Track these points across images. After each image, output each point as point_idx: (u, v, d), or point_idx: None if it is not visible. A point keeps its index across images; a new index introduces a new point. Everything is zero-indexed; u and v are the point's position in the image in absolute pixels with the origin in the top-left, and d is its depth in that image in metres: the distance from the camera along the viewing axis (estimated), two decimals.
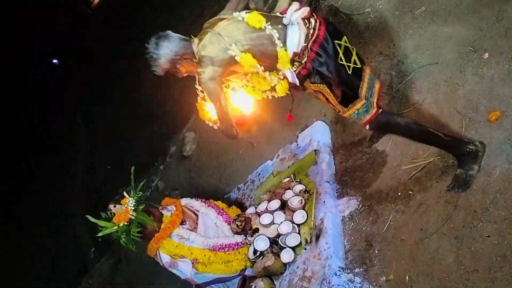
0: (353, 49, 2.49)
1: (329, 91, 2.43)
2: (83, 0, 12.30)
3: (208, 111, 2.72)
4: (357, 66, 2.45)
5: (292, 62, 2.41)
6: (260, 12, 2.44)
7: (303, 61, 2.39)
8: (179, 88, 6.40)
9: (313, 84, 2.45)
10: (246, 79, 2.61)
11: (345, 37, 2.47)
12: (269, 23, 2.39)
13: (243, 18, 2.43)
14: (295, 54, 2.39)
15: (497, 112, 2.51)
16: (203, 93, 2.59)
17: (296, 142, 3.87)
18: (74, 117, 9.42)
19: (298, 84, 2.49)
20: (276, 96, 2.65)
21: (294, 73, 2.43)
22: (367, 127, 2.56)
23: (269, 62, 2.45)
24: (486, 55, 2.75)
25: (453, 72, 2.89)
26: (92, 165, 7.92)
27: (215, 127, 2.75)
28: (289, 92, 2.61)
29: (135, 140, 7.06)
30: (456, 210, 2.41)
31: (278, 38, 2.39)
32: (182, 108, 6.12)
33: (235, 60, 2.39)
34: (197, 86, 2.67)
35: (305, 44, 2.38)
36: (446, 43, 3.03)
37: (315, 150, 3.49)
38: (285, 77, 2.52)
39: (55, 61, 12.59)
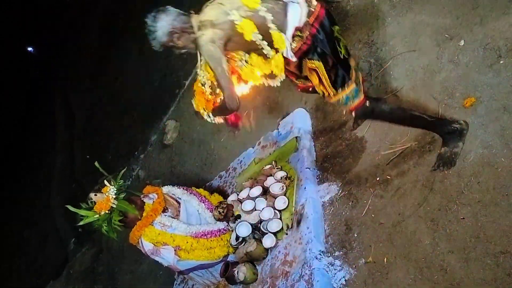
0: (342, 40, 2.53)
1: (324, 70, 2.44)
2: None
3: (207, 99, 2.69)
4: (345, 55, 2.50)
5: (293, 37, 2.42)
6: None
7: (304, 36, 2.40)
8: (159, 76, 6.36)
9: (310, 61, 2.46)
10: (244, 60, 2.55)
11: (337, 26, 2.51)
12: (264, 4, 2.39)
13: None
14: (297, 28, 2.41)
15: (472, 98, 2.57)
16: (204, 77, 2.58)
17: (277, 129, 3.89)
18: (52, 106, 9.24)
19: (294, 59, 2.47)
20: (274, 84, 2.61)
21: (290, 49, 2.43)
22: (353, 113, 2.58)
23: (267, 37, 2.43)
24: (462, 43, 2.81)
25: (430, 59, 2.95)
26: (71, 155, 7.81)
27: (207, 116, 2.72)
28: (285, 74, 2.58)
29: (114, 129, 6.98)
30: (432, 193, 2.48)
31: (272, 22, 2.39)
32: (162, 96, 6.07)
33: (235, 27, 2.37)
34: (198, 71, 2.65)
35: (307, 20, 2.41)
36: (423, 31, 3.08)
37: (296, 137, 3.52)
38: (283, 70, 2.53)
39: (30, 49, 12.28)
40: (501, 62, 2.56)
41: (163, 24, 2.42)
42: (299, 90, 2.85)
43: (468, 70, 2.70)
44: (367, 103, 2.53)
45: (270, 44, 2.44)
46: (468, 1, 2.89)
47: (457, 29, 2.88)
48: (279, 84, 2.60)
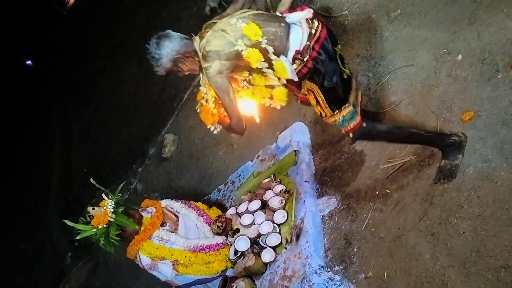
0: (345, 58, 2.54)
1: (320, 92, 2.44)
2: (58, 1, 12.11)
3: (212, 114, 2.70)
4: (349, 74, 2.51)
5: (293, 60, 2.42)
6: (258, 23, 2.40)
7: (305, 59, 2.40)
8: (158, 89, 6.38)
9: (309, 82, 2.47)
10: (246, 83, 2.60)
11: (339, 45, 2.51)
12: (265, 37, 2.38)
13: (240, 27, 2.41)
14: (297, 52, 2.41)
15: (471, 112, 2.59)
16: (206, 94, 2.60)
17: (276, 143, 3.89)
18: (50, 119, 9.24)
19: (296, 79, 2.48)
20: (273, 105, 2.63)
21: (294, 71, 2.44)
22: (350, 135, 2.56)
23: (271, 66, 2.45)
24: (460, 57, 2.84)
25: (428, 73, 2.96)
26: (68, 168, 7.78)
27: (214, 130, 2.75)
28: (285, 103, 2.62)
29: (112, 142, 6.97)
30: (432, 207, 2.47)
31: (274, 54, 2.41)
32: (161, 110, 6.08)
33: (242, 55, 2.38)
34: (201, 88, 2.67)
35: (308, 43, 2.41)
36: (421, 45, 3.11)
37: (295, 151, 3.52)
38: (284, 85, 2.55)
39: (28, 62, 12.33)
40: (499, 76, 2.58)
41: (168, 51, 2.43)
42: (299, 102, 2.85)
43: (466, 85, 2.71)
44: (364, 125, 2.52)
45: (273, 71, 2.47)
46: (466, 16, 2.92)
47: (455, 44, 2.90)
48: (279, 107, 2.63)
